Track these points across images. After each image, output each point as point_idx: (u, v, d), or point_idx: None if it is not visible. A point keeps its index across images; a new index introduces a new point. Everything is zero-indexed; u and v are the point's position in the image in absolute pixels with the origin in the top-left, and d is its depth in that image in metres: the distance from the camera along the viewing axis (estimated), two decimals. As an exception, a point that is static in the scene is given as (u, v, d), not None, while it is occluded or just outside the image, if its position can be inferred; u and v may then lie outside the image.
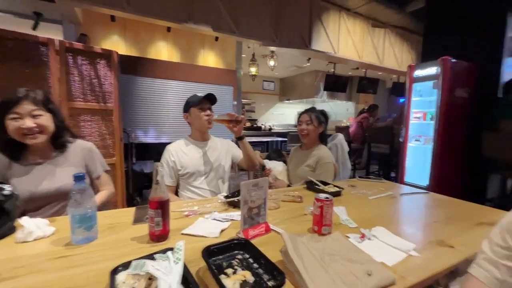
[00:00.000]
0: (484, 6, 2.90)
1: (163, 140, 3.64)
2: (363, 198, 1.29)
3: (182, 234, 0.84)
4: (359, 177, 1.66)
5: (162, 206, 0.77)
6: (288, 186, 1.63)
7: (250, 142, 1.51)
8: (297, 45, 3.78)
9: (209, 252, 0.67)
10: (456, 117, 2.79)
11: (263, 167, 1.70)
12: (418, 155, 3.10)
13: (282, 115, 8.39)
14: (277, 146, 5.71)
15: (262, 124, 7.08)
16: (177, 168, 1.44)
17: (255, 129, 6.51)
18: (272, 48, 4.40)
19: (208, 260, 0.62)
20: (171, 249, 0.63)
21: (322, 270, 0.63)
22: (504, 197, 2.80)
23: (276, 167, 1.71)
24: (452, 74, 2.72)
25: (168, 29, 3.58)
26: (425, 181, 2.90)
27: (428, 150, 2.91)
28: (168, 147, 1.49)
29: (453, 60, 2.72)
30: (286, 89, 8.24)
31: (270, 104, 8.23)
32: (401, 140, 3.18)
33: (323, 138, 1.66)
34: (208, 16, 2.87)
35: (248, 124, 6.63)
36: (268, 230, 0.87)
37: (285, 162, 1.80)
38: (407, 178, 3.17)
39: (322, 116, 1.65)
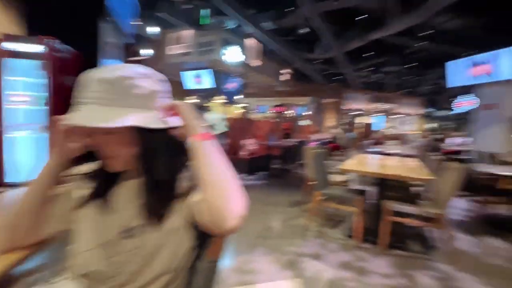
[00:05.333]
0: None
1: None
2: None
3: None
4: None
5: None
6: None
7: None
8: None
9: None
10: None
11: None
12: (29, 146, 2.64)
13: None
14: None
15: None
16: None
17: None
18: None
19: None
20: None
21: None
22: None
23: None
24: (61, 57, 2.60)
25: None
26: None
27: (44, 139, 2.58)
28: None
29: (60, 44, 2.60)
30: None
31: None
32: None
33: None
34: None
35: None
36: None
37: None
38: (10, 177, 2.56)
39: None
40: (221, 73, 9.02)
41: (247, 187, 4.55)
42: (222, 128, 5.96)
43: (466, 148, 6.38)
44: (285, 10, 8.21)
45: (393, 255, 2.17)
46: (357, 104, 16.42)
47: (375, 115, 17.20)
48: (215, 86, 8.76)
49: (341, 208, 2.65)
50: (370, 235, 2.37)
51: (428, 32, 8.96)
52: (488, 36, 6.95)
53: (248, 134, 5.65)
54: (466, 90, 9.62)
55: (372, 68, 13.64)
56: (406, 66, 13.38)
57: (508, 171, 2.84)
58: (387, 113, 17.30)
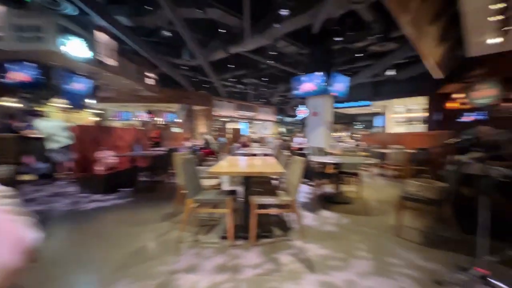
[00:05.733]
0: None
1: None
2: None
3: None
4: None
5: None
6: None
7: None
8: None
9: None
10: None
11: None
12: None
13: None
14: None
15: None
16: None
17: None
18: None
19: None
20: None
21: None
22: None
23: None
24: None
25: None
26: None
27: None
28: None
29: None
30: None
31: None
32: None
33: None
34: None
35: None
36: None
37: None
38: None
39: None
40: (59, 69, 7.06)
41: (106, 209, 3.69)
42: (63, 140, 4.65)
43: (305, 145, 8.28)
44: (145, 7, 7.54)
45: (261, 244, 2.39)
46: (225, 111, 17.66)
47: (241, 121, 19.16)
48: (44, 82, 6.71)
49: (215, 212, 2.66)
50: (242, 232, 2.50)
51: (274, 53, 10.99)
52: (312, 62, 9.42)
53: (104, 145, 4.69)
54: (303, 101, 12.56)
55: (235, 79, 15.09)
56: (261, 79, 15.80)
57: (330, 160, 3.87)
58: (250, 119, 19.72)
